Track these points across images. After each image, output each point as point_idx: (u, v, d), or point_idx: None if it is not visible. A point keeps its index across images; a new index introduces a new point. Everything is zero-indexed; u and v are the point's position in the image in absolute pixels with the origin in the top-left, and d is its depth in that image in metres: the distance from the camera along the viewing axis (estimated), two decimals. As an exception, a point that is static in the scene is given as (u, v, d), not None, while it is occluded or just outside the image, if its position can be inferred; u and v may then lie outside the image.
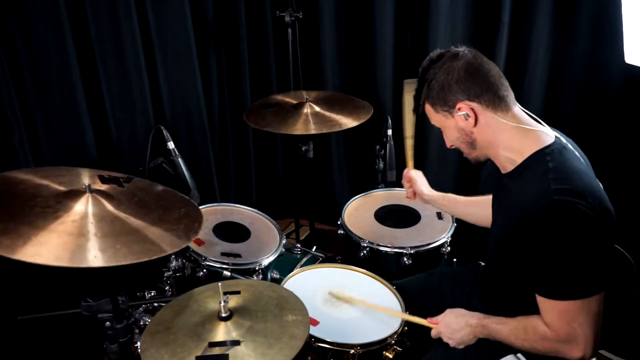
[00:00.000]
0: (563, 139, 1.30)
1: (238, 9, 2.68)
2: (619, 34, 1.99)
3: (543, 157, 1.23)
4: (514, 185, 1.27)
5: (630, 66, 1.96)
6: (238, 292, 1.31)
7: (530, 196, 1.19)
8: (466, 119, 1.28)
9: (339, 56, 2.85)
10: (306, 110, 2.24)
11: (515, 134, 1.27)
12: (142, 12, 2.38)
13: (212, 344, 1.16)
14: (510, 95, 1.30)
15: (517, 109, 1.31)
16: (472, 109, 1.27)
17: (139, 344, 1.39)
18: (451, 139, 1.37)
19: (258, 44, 2.84)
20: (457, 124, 1.31)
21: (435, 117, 1.36)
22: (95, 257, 1.08)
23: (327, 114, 2.24)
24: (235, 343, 1.17)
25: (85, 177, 1.33)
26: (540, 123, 1.32)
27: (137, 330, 1.47)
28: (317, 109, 2.26)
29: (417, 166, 1.95)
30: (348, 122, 2.18)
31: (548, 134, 1.28)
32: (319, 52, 2.81)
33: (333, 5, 2.72)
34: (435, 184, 1.98)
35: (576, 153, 1.28)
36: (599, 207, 1.15)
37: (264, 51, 2.87)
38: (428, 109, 1.36)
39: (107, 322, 1.35)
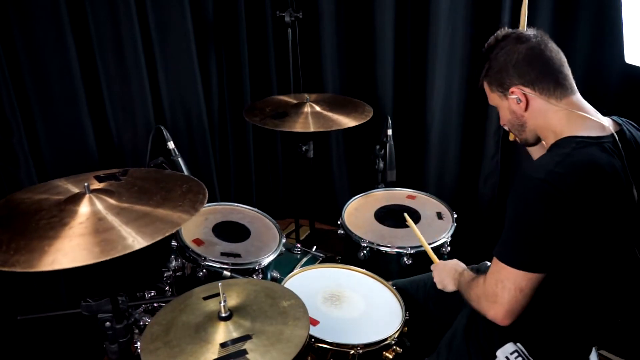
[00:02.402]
0: (616, 141, 1.23)
1: (238, 9, 2.68)
2: (619, 34, 1.99)
3: (570, 142, 1.21)
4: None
5: (630, 66, 1.96)
6: (217, 295, 1.27)
7: (530, 168, 1.20)
8: (518, 103, 1.31)
9: (339, 56, 2.85)
10: (306, 109, 2.25)
11: (563, 118, 1.27)
12: (142, 12, 2.38)
13: (223, 344, 1.15)
14: (569, 83, 1.30)
15: (576, 97, 1.30)
16: (525, 94, 1.29)
17: (138, 344, 1.39)
18: (504, 119, 1.40)
19: (258, 44, 2.84)
20: (509, 106, 1.34)
21: (491, 96, 1.39)
22: (134, 240, 1.13)
23: (327, 113, 2.24)
24: (247, 337, 1.17)
25: (81, 182, 1.34)
26: (609, 120, 1.31)
27: (137, 330, 1.47)
28: (318, 108, 2.26)
29: (418, 161, 1.94)
30: (348, 122, 2.18)
31: (603, 128, 1.25)
32: (319, 52, 2.81)
33: (333, 5, 2.72)
34: (436, 179, 1.99)
35: (612, 153, 1.21)
36: (582, 201, 1.13)
37: (264, 51, 2.87)
38: (486, 86, 1.39)
39: (107, 322, 1.35)
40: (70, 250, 1.10)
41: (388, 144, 2.21)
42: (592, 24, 2.39)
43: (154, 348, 1.17)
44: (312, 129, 2.13)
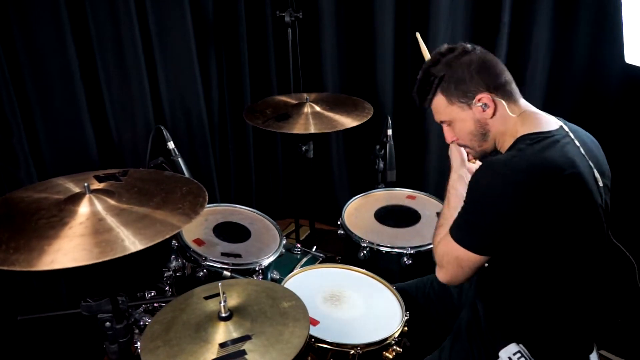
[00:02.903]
0: (567, 130, 1.31)
1: (238, 9, 2.68)
2: (619, 34, 1.99)
3: (525, 139, 1.26)
4: None
5: (630, 66, 1.96)
6: (218, 295, 1.27)
7: (488, 161, 1.25)
8: (484, 110, 1.30)
9: (339, 56, 2.85)
10: (306, 110, 2.24)
11: (518, 121, 1.31)
12: (142, 12, 2.38)
13: (223, 345, 1.15)
14: (516, 87, 1.34)
15: (523, 100, 1.36)
16: (493, 100, 1.30)
17: (138, 344, 1.38)
18: (462, 132, 1.37)
19: (258, 44, 2.84)
20: (474, 115, 1.32)
21: (447, 110, 1.35)
22: (134, 242, 1.13)
23: (327, 113, 2.24)
24: (246, 338, 1.17)
25: (81, 182, 1.34)
26: (553, 118, 1.35)
27: (137, 330, 1.47)
28: (318, 108, 2.26)
29: (418, 161, 1.94)
30: (348, 122, 2.18)
31: (550, 123, 1.31)
32: (319, 52, 2.81)
33: (333, 5, 2.72)
34: (436, 179, 2.00)
35: (564, 145, 1.26)
36: (538, 194, 1.16)
37: (264, 51, 2.87)
38: (440, 102, 1.35)
39: (107, 322, 1.35)
40: (70, 250, 1.10)
41: (388, 144, 2.21)
42: (592, 24, 2.39)
43: (154, 347, 1.17)
44: (312, 131, 2.13)
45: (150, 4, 2.39)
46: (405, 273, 1.87)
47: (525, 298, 1.32)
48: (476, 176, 1.24)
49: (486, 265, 1.30)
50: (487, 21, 2.54)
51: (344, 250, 2.10)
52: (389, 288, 1.70)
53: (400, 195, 2.26)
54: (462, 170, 1.50)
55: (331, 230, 2.98)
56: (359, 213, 2.15)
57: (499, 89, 1.30)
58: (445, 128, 1.42)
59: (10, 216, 1.22)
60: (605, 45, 2.37)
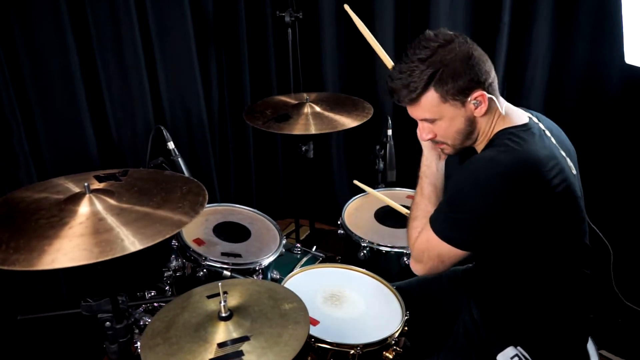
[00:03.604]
0: (537, 121, 1.31)
1: (238, 9, 2.68)
2: (619, 34, 1.99)
3: (506, 133, 1.25)
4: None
5: (630, 66, 1.96)
6: (216, 295, 1.28)
7: (472, 158, 1.24)
8: (476, 108, 1.24)
9: (339, 56, 2.85)
10: (306, 110, 2.24)
11: (497, 117, 1.29)
12: (142, 12, 2.38)
13: (221, 345, 1.15)
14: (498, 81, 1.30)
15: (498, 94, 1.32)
16: (486, 97, 1.24)
17: (138, 344, 1.38)
18: (447, 131, 1.29)
19: (258, 44, 2.84)
20: (465, 113, 1.25)
21: (438, 109, 1.25)
22: (134, 242, 1.13)
23: (327, 114, 2.24)
24: (245, 339, 1.17)
25: (81, 181, 1.34)
26: (522, 110, 1.35)
27: (137, 330, 1.47)
28: (318, 109, 2.26)
29: (418, 161, 1.94)
30: (348, 122, 2.18)
31: (521, 116, 1.30)
32: (319, 53, 2.81)
33: (333, 5, 2.72)
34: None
35: (541, 137, 1.26)
36: (527, 191, 1.17)
37: (264, 51, 2.87)
38: (431, 99, 1.24)
39: (107, 322, 1.35)
40: (69, 250, 1.10)
41: (388, 144, 2.21)
42: (592, 24, 2.39)
43: (153, 344, 1.17)
44: (313, 131, 2.13)
45: (150, 4, 2.39)
46: (405, 273, 1.87)
47: (518, 299, 1.32)
48: (462, 174, 1.23)
49: (473, 264, 1.31)
50: (487, 21, 2.54)
51: (344, 250, 2.10)
52: (389, 288, 1.70)
53: (400, 195, 2.25)
54: (433, 155, 1.43)
55: (331, 230, 2.98)
56: (359, 213, 2.15)
57: (491, 85, 1.25)
58: (423, 125, 1.31)
59: (10, 216, 1.22)
60: (605, 45, 2.37)
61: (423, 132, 1.32)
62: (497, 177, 1.17)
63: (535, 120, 1.31)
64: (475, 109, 1.25)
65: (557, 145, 1.28)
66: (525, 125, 1.27)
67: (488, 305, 1.43)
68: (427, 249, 1.29)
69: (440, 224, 1.26)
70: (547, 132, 1.29)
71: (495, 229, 1.21)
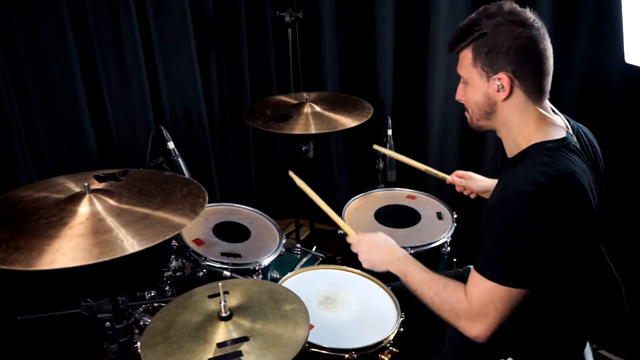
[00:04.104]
0: (574, 138, 1.28)
1: (238, 9, 2.68)
2: (619, 34, 1.99)
3: (544, 149, 1.21)
4: (510, 172, 1.26)
5: (630, 66, 1.95)
6: (218, 295, 1.27)
7: (514, 184, 1.18)
8: (498, 91, 1.23)
9: (339, 56, 2.85)
10: (306, 110, 2.24)
11: (532, 122, 1.25)
12: (142, 12, 2.38)
13: (220, 345, 1.15)
14: (548, 89, 1.27)
15: (546, 102, 1.29)
16: (512, 85, 1.21)
17: (139, 344, 1.38)
18: (470, 98, 1.30)
19: (258, 44, 2.84)
20: (487, 89, 1.25)
21: (469, 69, 1.26)
22: (134, 243, 1.13)
23: (327, 114, 2.24)
24: (244, 339, 1.17)
25: (81, 181, 1.34)
26: (561, 118, 1.32)
27: (137, 330, 1.47)
28: (318, 109, 2.26)
29: (418, 158, 1.94)
30: (348, 122, 2.18)
31: (560, 128, 1.27)
32: (319, 52, 2.81)
33: (333, 5, 2.72)
34: (436, 179, 2.00)
35: (576, 156, 1.24)
36: (570, 210, 1.14)
37: (264, 51, 2.87)
38: (467, 56, 1.26)
39: (107, 322, 1.35)
40: (69, 250, 1.10)
41: (388, 144, 2.21)
42: (592, 24, 2.39)
43: (153, 343, 1.17)
44: (313, 131, 2.13)
45: (150, 4, 2.39)
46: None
47: (515, 313, 1.28)
48: (505, 206, 1.17)
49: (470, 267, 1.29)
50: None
51: (344, 250, 2.10)
52: (384, 289, 1.68)
53: (400, 195, 2.25)
54: (398, 257, 1.44)
55: (331, 230, 2.97)
56: (359, 213, 2.15)
57: (527, 79, 1.21)
58: (460, 84, 1.34)
59: (10, 216, 1.22)
60: (605, 45, 2.37)
61: (458, 91, 1.36)
62: (537, 197, 1.12)
63: (571, 132, 1.28)
64: (497, 91, 1.23)
65: (588, 161, 1.26)
66: (563, 139, 1.23)
67: None
68: (492, 302, 1.18)
69: (499, 269, 1.17)
70: (579, 146, 1.26)
71: (545, 254, 1.16)
